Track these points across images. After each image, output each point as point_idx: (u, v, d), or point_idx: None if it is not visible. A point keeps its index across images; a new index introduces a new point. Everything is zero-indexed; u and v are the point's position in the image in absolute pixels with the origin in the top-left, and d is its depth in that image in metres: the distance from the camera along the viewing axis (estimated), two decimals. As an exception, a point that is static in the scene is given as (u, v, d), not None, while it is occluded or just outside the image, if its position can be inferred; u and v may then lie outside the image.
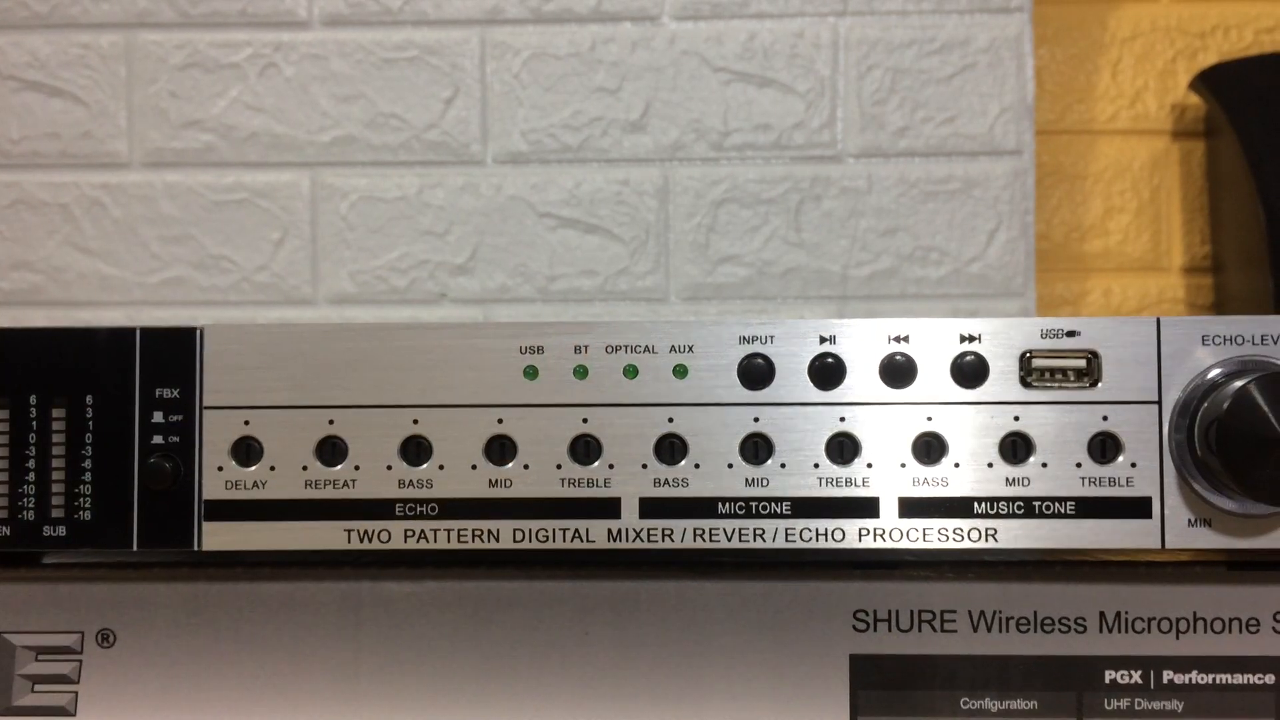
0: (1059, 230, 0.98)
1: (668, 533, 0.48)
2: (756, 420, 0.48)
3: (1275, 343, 0.47)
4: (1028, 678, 0.50)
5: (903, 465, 0.47)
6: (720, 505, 0.48)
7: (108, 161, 0.92)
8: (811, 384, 0.48)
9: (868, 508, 0.48)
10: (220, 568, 0.52)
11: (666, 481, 0.48)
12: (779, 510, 0.48)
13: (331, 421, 0.48)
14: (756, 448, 0.48)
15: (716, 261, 0.91)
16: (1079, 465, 0.47)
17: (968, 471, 0.47)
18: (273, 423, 0.48)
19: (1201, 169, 0.98)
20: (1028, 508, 0.47)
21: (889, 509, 0.47)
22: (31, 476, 0.48)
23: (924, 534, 0.47)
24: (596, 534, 0.48)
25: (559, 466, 0.48)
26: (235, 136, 0.92)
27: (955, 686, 0.50)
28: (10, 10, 0.92)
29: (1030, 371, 0.47)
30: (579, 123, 0.92)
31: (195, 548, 0.48)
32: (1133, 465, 0.47)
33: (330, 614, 0.51)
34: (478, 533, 0.48)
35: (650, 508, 0.48)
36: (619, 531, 0.48)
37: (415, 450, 0.48)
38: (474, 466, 0.48)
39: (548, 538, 0.48)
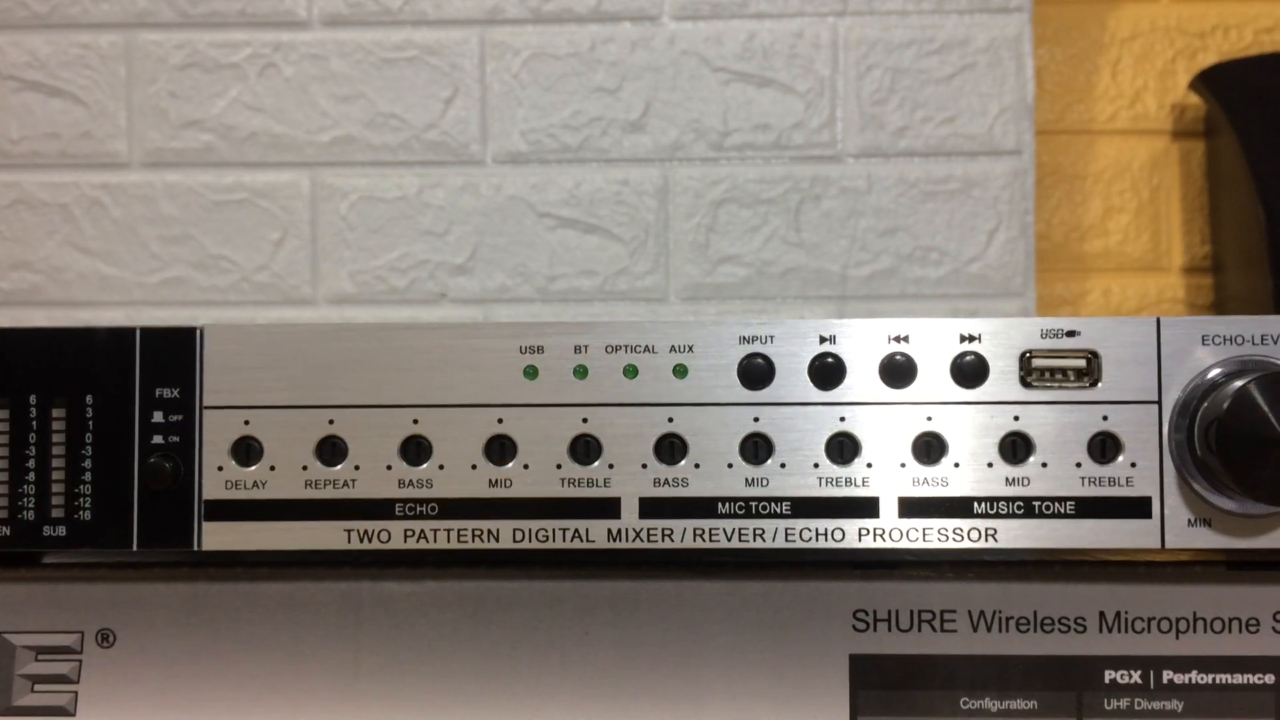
0: (1059, 230, 0.98)
1: (667, 533, 0.48)
2: (756, 420, 0.48)
3: (1275, 343, 0.47)
4: (1027, 678, 0.50)
5: (902, 465, 0.47)
6: (720, 505, 0.48)
7: (107, 161, 0.92)
8: (811, 384, 0.48)
9: (867, 508, 0.48)
10: (220, 568, 0.52)
11: (666, 481, 0.48)
12: (779, 510, 0.48)
13: (331, 421, 0.48)
14: (756, 448, 0.48)
15: (716, 261, 0.91)
16: (1079, 465, 0.47)
17: (967, 471, 0.47)
18: (272, 422, 0.48)
19: (1201, 169, 0.98)
20: (1027, 508, 0.47)
21: (889, 509, 0.47)
22: (31, 476, 0.48)
23: (924, 534, 0.47)
24: (596, 534, 0.48)
25: (559, 466, 0.48)
26: (235, 136, 0.92)
27: (955, 686, 0.50)
28: (10, 10, 0.92)
29: (1030, 371, 0.47)
30: (579, 123, 0.92)
31: (195, 548, 0.48)
32: (1132, 465, 0.47)
33: (330, 614, 0.51)
34: (478, 533, 0.48)
35: (650, 508, 0.48)
36: (619, 531, 0.48)
37: (415, 450, 0.48)
38: (474, 466, 0.48)
39: (547, 538, 0.48)
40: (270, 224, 0.92)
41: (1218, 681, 0.49)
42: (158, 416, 0.48)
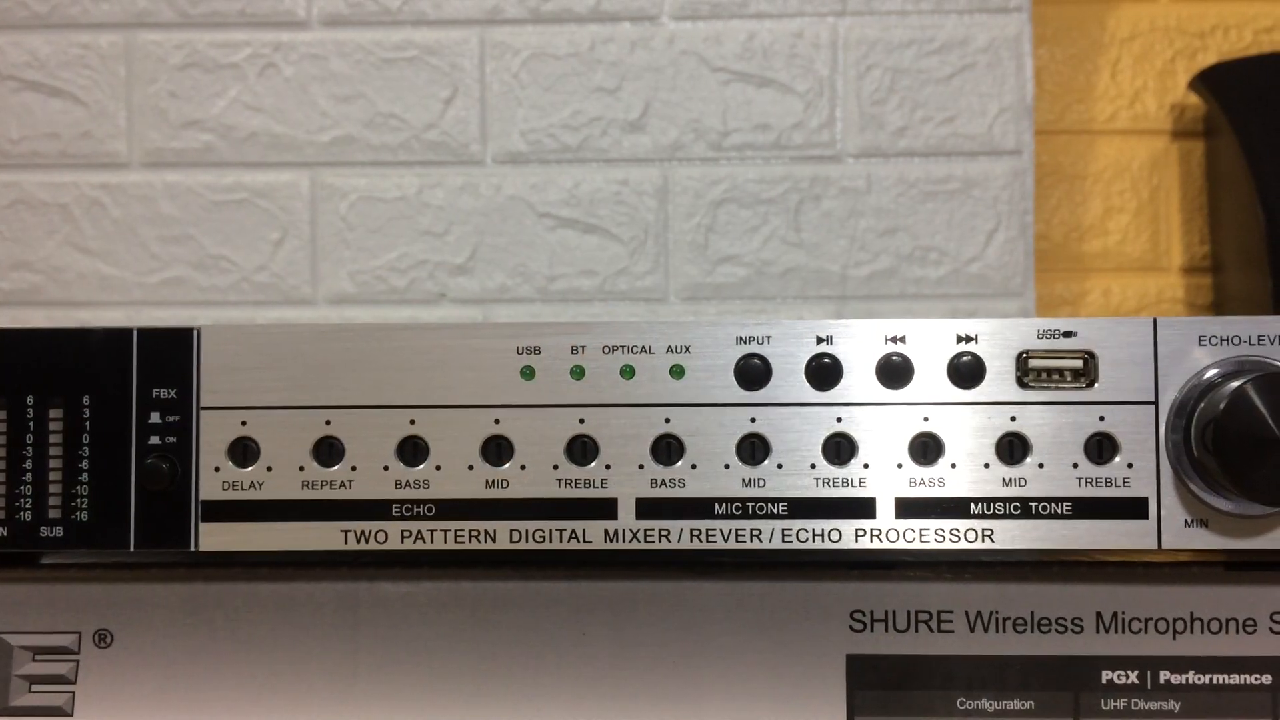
0: (1058, 230, 0.98)
1: (664, 533, 0.48)
2: (753, 421, 0.48)
3: (1272, 343, 0.47)
4: (1024, 678, 0.50)
5: (899, 466, 0.47)
6: (717, 506, 0.48)
7: (107, 161, 0.92)
8: (808, 384, 0.48)
9: (864, 508, 0.48)
10: (217, 568, 0.52)
11: (663, 482, 0.48)
12: (776, 511, 0.48)
13: (328, 422, 0.48)
14: (753, 448, 0.48)
15: (716, 261, 0.91)
16: (1075, 466, 0.47)
17: (964, 472, 0.47)
18: (270, 423, 0.48)
19: (1201, 169, 0.98)
20: (1024, 508, 0.47)
21: (886, 509, 0.47)
22: (29, 477, 0.48)
23: (921, 534, 0.47)
24: (593, 534, 0.48)
25: (556, 467, 0.48)
26: (235, 136, 0.92)
27: (952, 687, 0.50)
28: (10, 10, 0.92)
29: (1027, 372, 0.47)
30: (578, 123, 0.92)
31: (192, 548, 0.48)
32: (1129, 466, 0.47)
33: (327, 614, 0.51)
34: (475, 533, 0.48)
35: (647, 508, 0.48)
36: (616, 532, 0.48)
37: (412, 451, 0.48)
38: (471, 467, 0.48)
39: (544, 538, 0.48)
40: (270, 224, 0.92)
41: (1215, 682, 0.49)
42: (155, 417, 0.48)
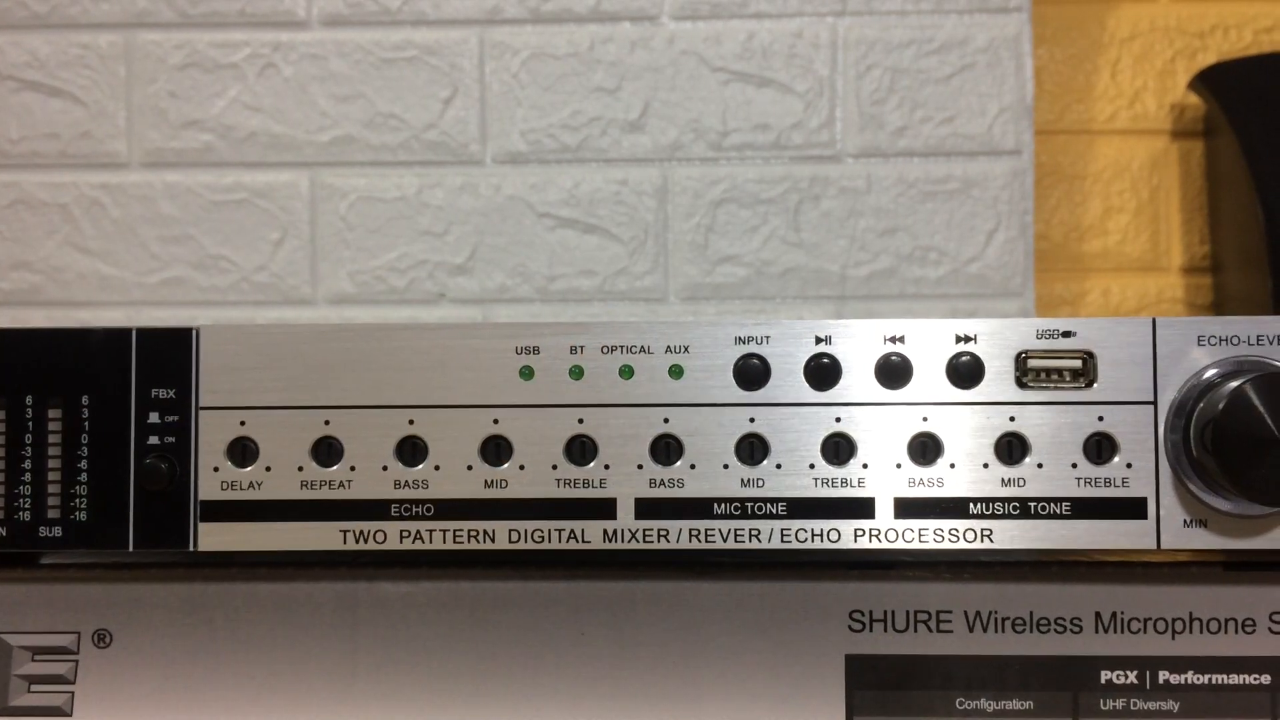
0: (1058, 230, 0.98)
1: (663, 533, 0.48)
2: (752, 421, 0.48)
3: (1271, 343, 0.47)
4: (1023, 678, 0.50)
5: (898, 466, 0.47)
6: (716, 506, 0.48)
7: (107, 161, 0.92)
8: (807, 384, 0.48)
9: (863, 508, 0.48)
10: (216, 568, 0.52)
11: (662, 482, 0.48)
12: (775, 511, 0.48)
13: (327, 422, 0.48)
14: (752, 448, 0.48)
15: (715, 261, 0.91)
16: (1074, 466, 0.47)
17: (963, 472, 0.47)
18: (268, 423, 0.48)
19: (1200, 169, 0.98)
20: (1023, 508, 0.47)
21: (885, 509, 0.47)
22: (28, 477, 0.48)
23: (920, 534, 0.47)
24: (592, 534, 0.48)
25: (555, 467, 0.48)
26: (234, 136, 0.92)
27: (951, 687, 0.50)
28: (10, 10, 0.92)
29: (1026, 372, 0.47)
30: (578, 122, 0.92)
31: (191, 548, 0.48)
32: (1128, 466, 0.47)
33: (326, 614, 0.51)
34: (473, 533, 0.48)
35: (646, 508, 0.48)
36: (615, 532, 0.48)
37: (411, 451, 0.48)
38: (470, 467, 0.48)
39: (543, 538, 0.48)
40: (269, 224, 0.92)
41: (1214, 682, 0.49)
42: (154, 417, 0.48)
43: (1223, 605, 0.50)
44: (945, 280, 0.90)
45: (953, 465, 0.47)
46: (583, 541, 0.48)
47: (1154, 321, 0.47)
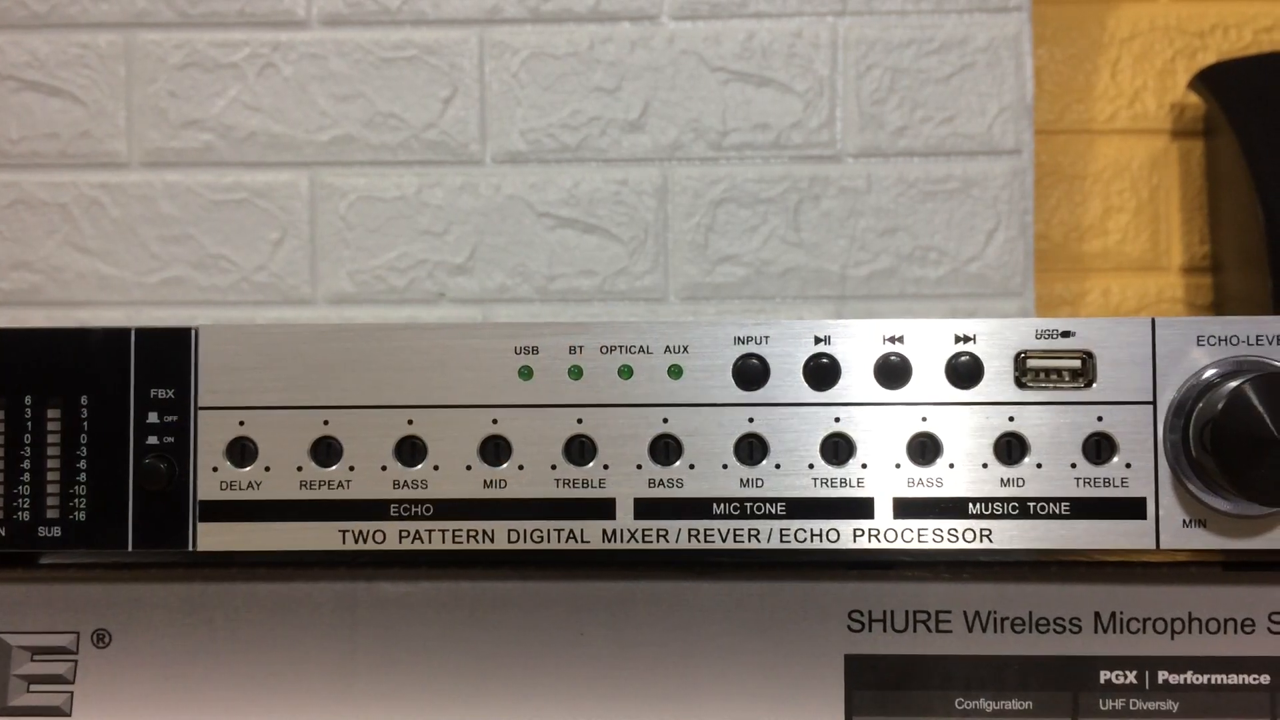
0: (1058, 230, 0.98)
1: (662, 533, 0.48)
2: (751, 421, 0.48)
3: (1270, 343, 0.47)
4: (1023, 678, 0.50)
5: (897, 466, 0.47)
6: (715, 506, 0.48)
7: (107, 161, 0.92)
8: (806, 384, 0.48)
9: (863, 508, 0.48)
10: (215, 568, 0.52)
11: (661, 482, 0.48)
12: (774, 511, 0.48)
13: (326, 422, 0.48)
14: (751, 448, 0.48)
15: (715, 261, 0.91)
16: (1074, 466, 0.47)
17: (962, 472, 0.47)
18: (267, 423, 0.48)
19: (1200, 168, 0.98)
20: (1022, 508, 0.47)
21: (884, 509, 0.47)
22: (27, 477, 0.48)
23: (919, 534, 0.47)
24: (591, 534, 0.48)
25: (554, 467, 0.48)
26: (234, 136, 0.92)
27: (950, 687, 0.50)
28: (9, 10, 0.92)
29: (1025, 372, 0.47)
30: (577, 122, 0.92)
31: (190, 548, 0.48)
32: (1127, 466, 0.47)
33: (325, 614, 0.51)
34: (472, 533, 0.48)
35: (645, 508, 0.48)
36: (614, 532, 0.48)
37: (410, 451, 0.48)
38: (469, 467, 0.48)
39: (542, 538, 0.48)
40: (269, 224, 0.92)
41: (1213, 682, 0.49)
42: (153, 417, 0.48)
43: (1222, 605, 0.50)
44: (945, 280, 0.90)
45: (952, 465, 0.47)
46: (582, 541, 0.48)
47: (1153, 321, 0.47)
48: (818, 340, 0.48)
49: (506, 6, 0.92)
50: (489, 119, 0.92)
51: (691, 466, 0.48)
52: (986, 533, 0.47)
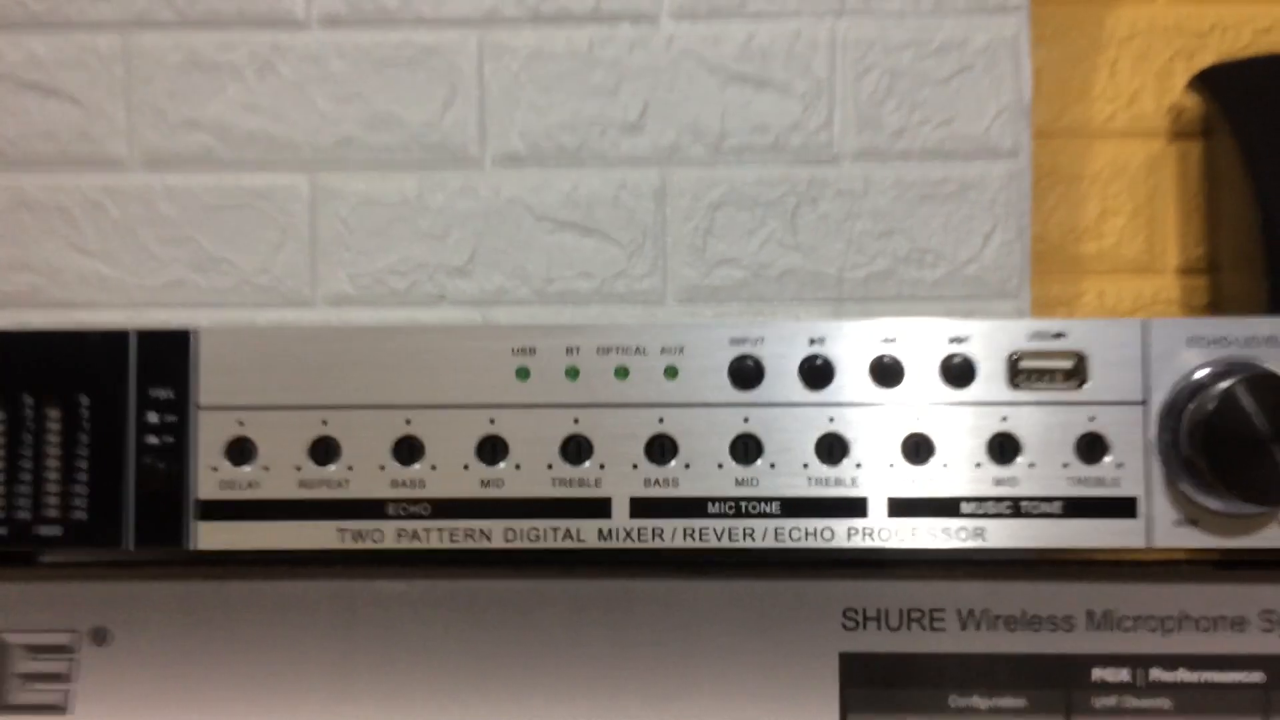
0: (1055, 232, 0.98)
1: (658, 532, 0.48)
2: (746, 421, 0.48)
3: (1261, 344, 0.47)
4: (1016, 676, 0.50)
5: (891, 465, 0.48)
6: (710, 505, 0.48)
7: (106, 162, 0.92)
8: (801, 384, 0.48)
9: (857, 507, 0.48)
10: (214, 567, 0.52)
11: (657, 481, 0.48)
12: (769, 510, 0.48)
13: (325, 422, 0.49)
14: (746, 448, 0.48)
15: (713, 264, 0.91)
16: (1066, 465, 0.47)
17: (956, 471, 0.47)
18: (266, 423, 0.49)
19: (1198, 169, 0.98)
20: (1015, 507, 0.47)
21: (878, 508, 0.48)
22: (27, 476, 0.49)
23: (913, 533, 0.48)
24: (587, 533, 0.48)
25: (550, 466, 0.48)
26: (233, 137, 0.92)
27: (944, 684, 0.50)
28: (8, 10, 0.92)
29: (1018, 372, 0.48)
30: (577, 123, 0.92)
31: (189, 547, 0.49)
32: (1119, 465, 0.47)
33: (323, 613, 0.51)
34: (470, 532, 0.48)
35: (641, 507, 0.48)
36: (610, 531, 0.48)
37: (408, 450, 0.49)
38: (466, 466, 0.48)
39: (539, 537, 0.48)
40: (269, 226, 0.92)
41: (1205, 679, 0.50)
42: (152, 417, 0.49)
43: (1214, 603, 0.50)
44: (942, 282, 0.90)
45: (945, 465, 0.47)
46: (578, 540, 0.48)
47: (1145, 323, 0.47)
48: (812, 341, 0.48)
49: (505, 7, 0.92)
50: (488, 120, 0.92)
51: (687, 466, 0.48)
52: (980, 532, 0.47)
